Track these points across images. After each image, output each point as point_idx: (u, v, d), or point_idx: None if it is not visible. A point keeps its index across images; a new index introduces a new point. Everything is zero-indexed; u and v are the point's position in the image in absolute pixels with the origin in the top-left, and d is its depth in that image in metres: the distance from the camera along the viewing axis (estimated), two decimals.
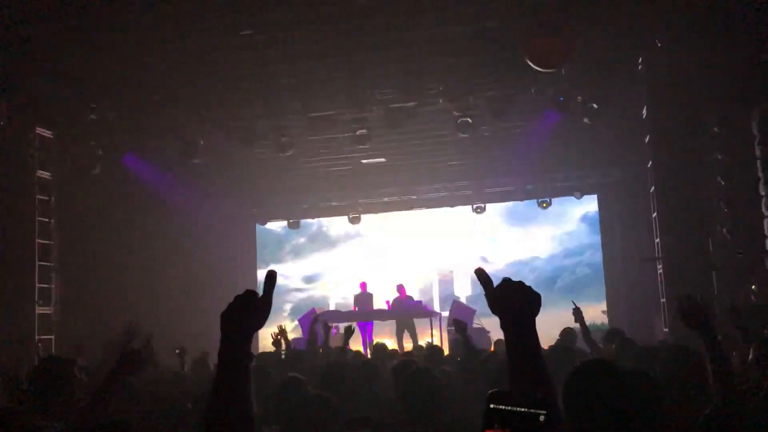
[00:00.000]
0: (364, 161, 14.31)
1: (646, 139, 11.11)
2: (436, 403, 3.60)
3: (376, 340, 12.60)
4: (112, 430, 2.99)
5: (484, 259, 17.46)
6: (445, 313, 14.57)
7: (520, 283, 1.72)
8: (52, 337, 11.31)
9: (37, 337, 11.01)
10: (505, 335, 1.70)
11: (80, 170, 11.94)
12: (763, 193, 9.53)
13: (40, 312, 11.26)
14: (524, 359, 1.69)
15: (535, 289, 1.72)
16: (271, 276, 1.67)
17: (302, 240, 18.41)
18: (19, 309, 10.86)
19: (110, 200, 12.85)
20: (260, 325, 1.64)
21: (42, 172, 11.51)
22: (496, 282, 1.74)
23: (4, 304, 10.64)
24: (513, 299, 1.70)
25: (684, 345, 4.03)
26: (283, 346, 7.51)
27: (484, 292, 1.74)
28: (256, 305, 1.64)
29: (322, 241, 18.27)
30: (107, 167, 12.24)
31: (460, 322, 6.26)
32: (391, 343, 13.17)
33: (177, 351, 7.44)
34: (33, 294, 11.15)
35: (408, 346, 13.06)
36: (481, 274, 1.76)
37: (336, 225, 18.02)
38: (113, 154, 12.45)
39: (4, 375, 5.23)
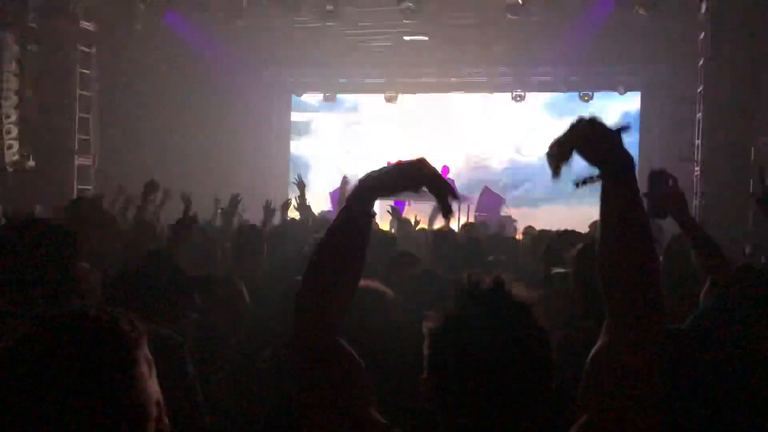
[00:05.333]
0: (406, 38, 14.01)
1: (700, 36, 10.76)
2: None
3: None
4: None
5: (519, 149, 17.35)
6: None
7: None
8: (91, 187, 11.60)
9: (76, 186, 11.31)
10: (610, 186, 1.56)
11: (122, 25, 11.88)
12: None
13: (80, 163, 11.51)
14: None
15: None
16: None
17: (336, 115, 18.34)
18: (60, 159, 11.12)
19: (150, 57, 12.82)
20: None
21: (85, 22, 11.47)
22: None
23: (45, 153, 10.89)
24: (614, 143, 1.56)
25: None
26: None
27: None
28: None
29: (357, 118, 18.19)
30: (149, 23, 12.15)
31: None
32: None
33: (220, 209, 7.66)
34: (73, 144, 11.37)
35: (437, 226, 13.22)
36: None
37: (372, 103, 17.82)
38: (155, 10, 12.32)
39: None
